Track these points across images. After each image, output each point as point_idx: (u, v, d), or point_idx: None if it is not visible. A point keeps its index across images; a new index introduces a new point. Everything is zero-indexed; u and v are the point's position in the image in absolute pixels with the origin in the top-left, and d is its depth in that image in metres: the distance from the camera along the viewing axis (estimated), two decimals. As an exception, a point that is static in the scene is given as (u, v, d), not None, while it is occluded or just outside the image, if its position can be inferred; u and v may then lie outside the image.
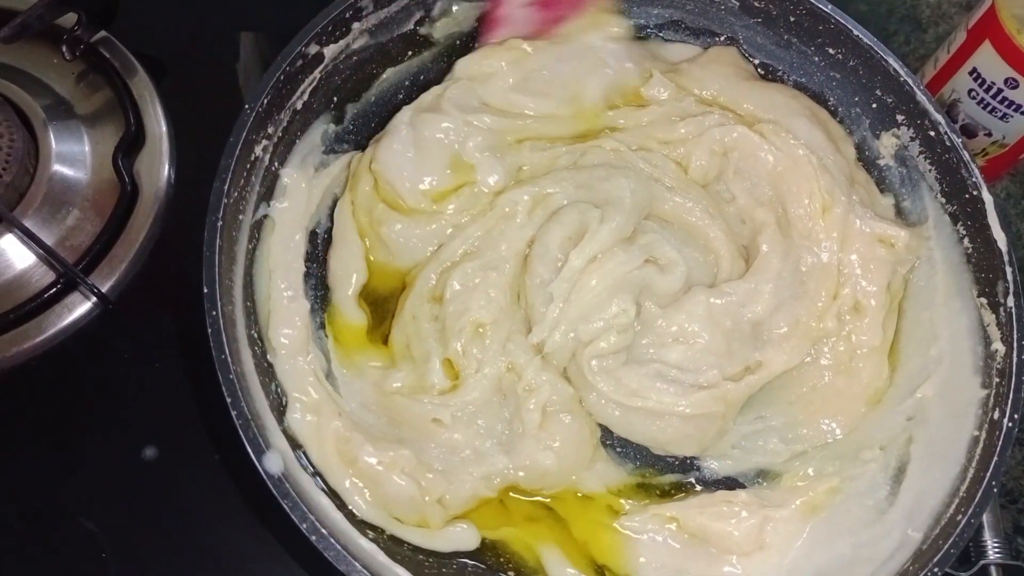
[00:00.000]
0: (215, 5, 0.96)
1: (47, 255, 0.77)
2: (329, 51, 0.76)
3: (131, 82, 0.86)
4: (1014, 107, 0.83)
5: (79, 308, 0.76)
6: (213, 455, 0.74)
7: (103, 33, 0.87)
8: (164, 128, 0.84)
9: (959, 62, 0.86)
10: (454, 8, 0.83)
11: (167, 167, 0.83)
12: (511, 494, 0.71)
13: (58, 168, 0.81)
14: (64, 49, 0.85)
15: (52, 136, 0.82)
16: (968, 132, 0.88)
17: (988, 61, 0.82)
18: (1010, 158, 0.90)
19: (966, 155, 0.76)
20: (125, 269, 0.78)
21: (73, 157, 0.82)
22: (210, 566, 0.72)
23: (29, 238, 0.76)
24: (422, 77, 0.85)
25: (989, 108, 0.85)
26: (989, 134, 0.87)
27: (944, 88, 0.88)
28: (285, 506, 0.58)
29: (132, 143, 0.83)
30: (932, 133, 0.79)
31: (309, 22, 0.74)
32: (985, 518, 0.76)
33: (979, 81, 0.84)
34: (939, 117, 0.78)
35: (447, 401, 0.69)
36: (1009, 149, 0.88)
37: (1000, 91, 0.83)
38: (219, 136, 0.68)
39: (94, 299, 0.77)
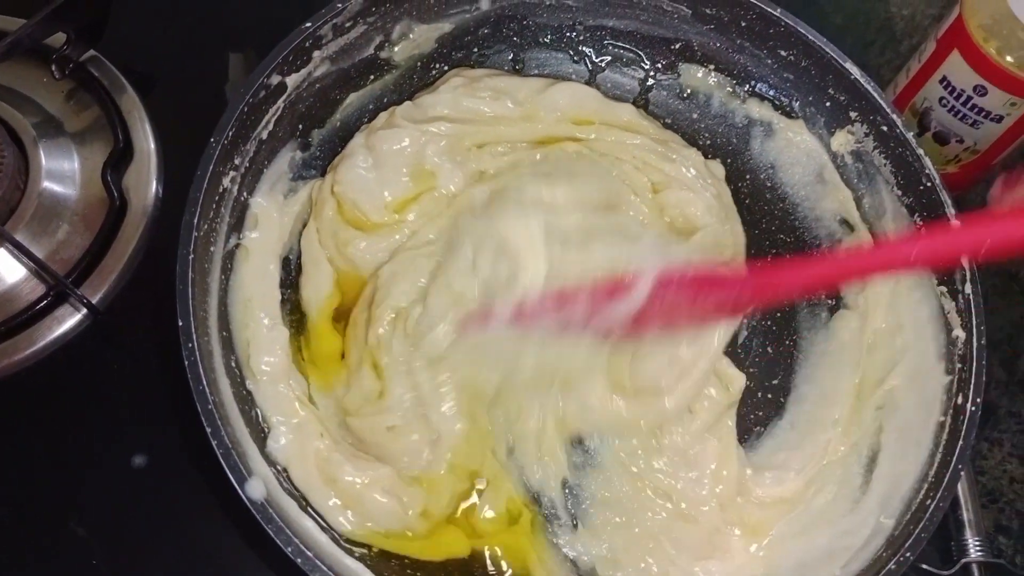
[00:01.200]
0: (202, 23, 0.97)
1: (38, 268, 0.78)
2: (291, 80, 0.77)
3: (119, 99, 0.88)
4: (984, 114, 0.84)
5: (69, 320, 0.78)
6: (201, 463, 0.74)
7: (92, 52, 0.89)
8: (152, 144, 0.86)
9: (930, 71, 0.87)
10: (413, 31, 0.84)
11: (155, 182, 0.84)
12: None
13: (48, 185, 0.82)
14: (54, 68, 0.86)
15: (42, 153, 0.84)
16: (940, 140, 0.89)
17: (957, 69, 0.83)
18: (982, 164, 0.91)
19: (919, 149, 0.78)
20: (114, 281, 0.80)
21: (63, 174, 0.84)
22: (200, 572, 0.73)
23: (20, 251, 0.78)
24: (385, 99, 0.86)
25: (960, 115, 0.86)
26: (961, 141, 0.88)
27: (916, 96, 0.90)
28: (269, 531, 0.60)
29: (120, 159, 0.84)
30: (885, 128, 0.81)
31: (270, 53, 0.75)
32: (966, 517, 0.78)
33: (949, 89, 0.85)
34: (891, 112, 0.80)
35: (387, 404, 0.70)
36: (981, 155, 0.89)
37: (970, 98, 0.84)
38: None
39: (84, 310, 0.78)
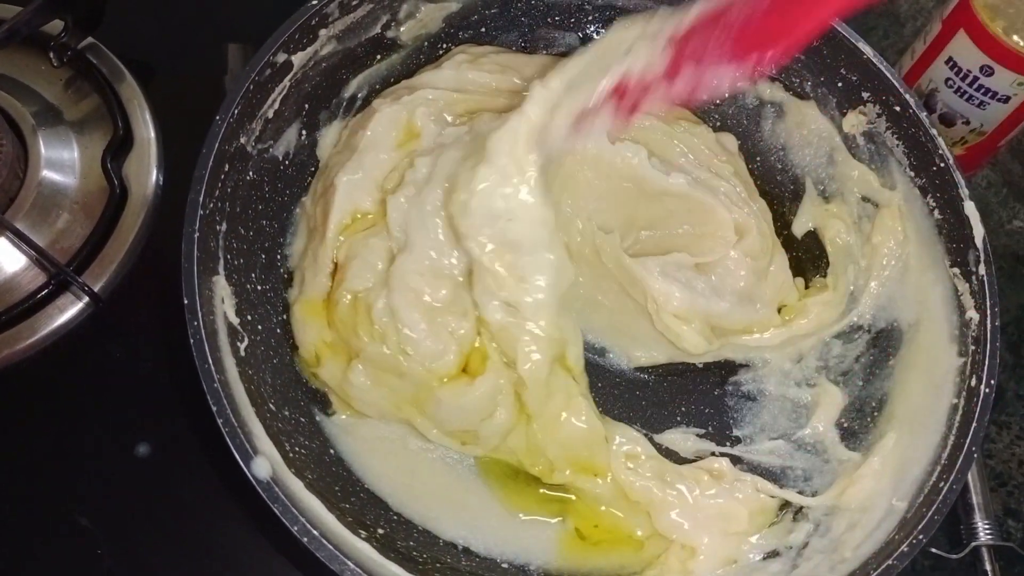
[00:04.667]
0: (200, 9, 0.97)
1: (38, 256, 0.78)
2: (297, 58, 0.76)
3: (119, 87, 0.88)
4: (990, 94, 0.84)
5: (70, 309, 0.78)
6: (204, 451, 0.75)
7: (90, 39, 0.89)
8: (152, 131, 0.86)
9: (935, 52, 0.87)
10: (420, 11, 0.84)
11: (155, 170, 0.85)
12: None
13: (47, 173, 0.82)
14: (52, 56, 0.87)
15: (41, 142, 0.84)
16: (946, 121, 0.89)
17: (963, 50, 0.83)
18: (989, 145, 0.91)
19: (932, 130, 0.77)
20: (115, 269, 0.80)
21: (62, 162, 0.84)
22: (206, 560, 0.73)
23: (20, 240, 0.78)
24: (392, 80, 0.85)
25: (966, 96, 0.86)
26: (967, 122, 0.88)
27: (921, 78, 0.89)
28: (275, 510, 0.59)
29: (120, 146, 0.84)
30: (897, 108, 0.80)
31: (276, 30, 0.74)
32: (975, 501, 0.78)
33: (955, 70, 0.85)
34: (904, 92, 0.79)
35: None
36: (987, 137, 0.89)
37: (976, 79, 0.84)
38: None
39: (85, 299, 0.78)
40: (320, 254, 0.74)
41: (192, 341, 0.62)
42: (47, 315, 0.78)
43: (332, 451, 0.71)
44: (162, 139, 0.86)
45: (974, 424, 0.68)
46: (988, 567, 0.77)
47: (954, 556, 0.76)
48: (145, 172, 0.85)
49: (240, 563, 0.73)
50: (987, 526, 0.77)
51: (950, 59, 0.85)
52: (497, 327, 0.68)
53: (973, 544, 0.77)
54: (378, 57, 0.84)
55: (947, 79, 0.86)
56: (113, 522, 0.73)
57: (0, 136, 0.81)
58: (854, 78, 0.83)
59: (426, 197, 0.70)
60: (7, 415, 0.77)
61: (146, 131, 0.87)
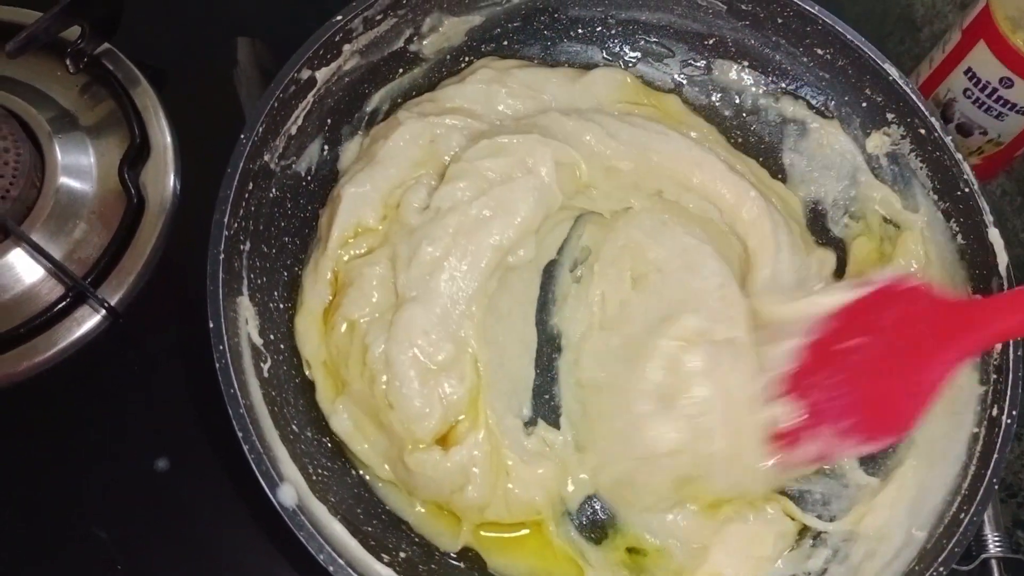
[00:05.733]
0: (215, 14, 0.96)
1: (56, 269, 0.78)
2: (321, 74, 0.76)
3: (134, 93, 0.87)
4: (1009, 106, 0.83)
5: (88, 321, 0.78)
6: (223, 466, 0.75)
7: (106, 45, 0.88)
8: (168, 138, 0.86)
9: (954, 62, 0.86)
10: (443, 24, 0.83)
11: (172, 177, 0.84)
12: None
13: (64, 180, 0.82)
14: (68, 62, 0.86)
15: (58, 149, 0.83)
16: (963, 131, 0.88)
17: (983, 61, 0.82)
18: (1006, 156, 0.90)
19: (957, 154, 0.77)
20: (133, 282, 0.79)
21: (79, 169, 0.83)
22: (223, 573, 0.73)
23: (38, 252, 0.77)
24: (413, 93, 0.85)
25: (984, 107, 0.85)
26: (985, 133, 0.87)
27: (939, 88, 0.89)
28: (301, 538, 0.59)
29: (137, 155, 0.84)
30: (922, 131, 0.80)
31: (300, 47, 0.74)
32: (985, 513, 0.77)
33: (974, 81, 0.84)
34: (929, 115, 0.79)
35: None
36: (1005, 147, 0.89)
37: (995, 90, 0.83)
38: (224, 145, 0.70)
39: (103, 312, 0.77)
40: (321, 264, 0.74)
41: (218, 366, 0.62)
42: (65, 327, 0.78)
43: (354, 472, 0.71)
44: (179, 144, 0.86)
45: (995, 455, 0.68)
46: (996, 576, 0.77)
47: (964, 568, 0.75)
48: (162, 179, 0.84)
49: (258, 578, 0.73)
50: (997, 538, 0.76)
51: (969, 69, 0.84)
52: None
53: (983, 556, 0.76)
54: (400, 71, 0.84)
55: (965, 89, 0.86)
56: (132, 536, 0.73)
57: (18, 145, 0.80)
58: (879, 99, 0.82)
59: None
60: (26, 427, 0.76)
61: (162, 137, 0.86)
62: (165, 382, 0.79)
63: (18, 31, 0.80)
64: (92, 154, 0.85)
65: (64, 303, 0.78)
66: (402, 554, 0.67)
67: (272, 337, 0.71)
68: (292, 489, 0.61)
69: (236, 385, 0.62)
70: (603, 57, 0.90)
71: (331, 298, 0.74)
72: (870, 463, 0.76)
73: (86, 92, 0.88)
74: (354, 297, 0.71)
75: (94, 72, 0.88)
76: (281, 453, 0.63)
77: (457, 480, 0.68)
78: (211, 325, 0.63)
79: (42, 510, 0.73)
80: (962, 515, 0.67)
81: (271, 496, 0.60)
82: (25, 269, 0.79)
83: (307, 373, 0.72)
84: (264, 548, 0.73)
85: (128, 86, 0.88)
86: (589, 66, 0.89)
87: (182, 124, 0.87)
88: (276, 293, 0.73)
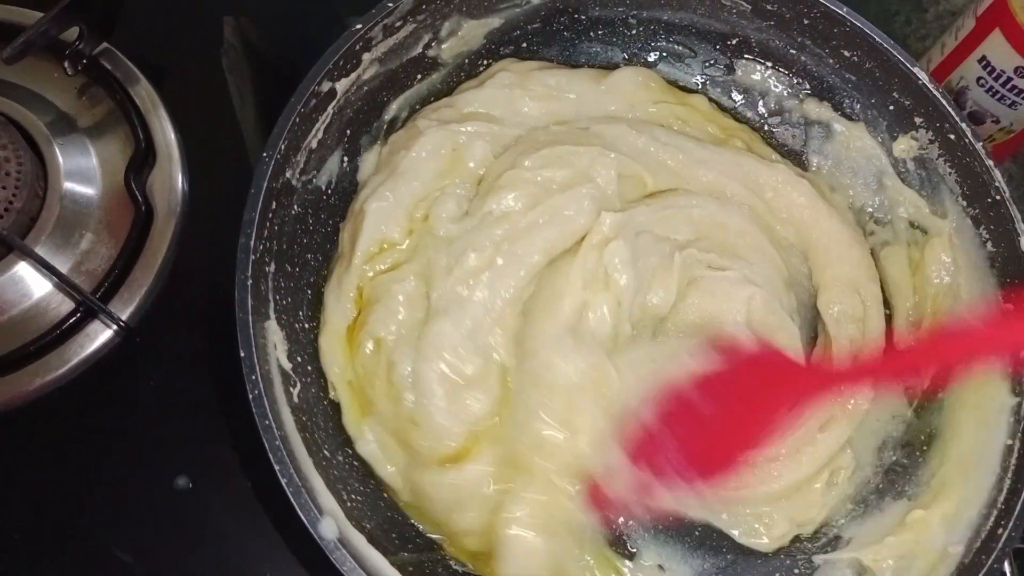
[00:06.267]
0: (214, 12, 0.93)
1: (64, 284, 0.75)
2: (341, 85, 0.73)
3: (134, 91, 0.84)
4: (1023, 95, 0.83)
5: (100, 336, 0.76)
6: (246, 482, 0.73)
7: (104, 44, 0.85)
8: (172, 138, 0.83)
9: (968, 49, 0.85)
10: (462, 28, 0.81)
11: (180, 180, 0.82)
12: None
13: (68, 186, 0.79)
14: (67, 64, 0.83)
15: (59, 153, 0.80)
16: (976, 119, 0.88)
17: (998, 49, 0.81)
18: (1015, 144, 0.90)
19: (988, 160, 0.76)
20: (145, 294, 0.77)
21: (82, 173, 0.81)
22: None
23: (44, 267, 0.75)
24: (432, 99, 0.83)
25: (998, 96, 0.85)
26: (997, 121, 0.87)
27: (952, 75, 0.88)
28: (344, 572, 0.58)
29: (143, 160, 0.81)
30: (952, 136, 0.78)
31: (320, 59, 0.71)
32: None
33: (988, 69, 0.84)
34: (960, 121, 0.77)
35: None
36: (1015, 135, 0.89)
37: (1009, 79, 0.83)
38: (230, 142, 0.68)
39: (115, 328, 0.75)
40: (345, 281, 0.72)
41: (251, 396, 0.61)
42: (77, 343, 0.75)
43: (385, 495, 0.70)
44: (183, 144, 0.83)
45: (1032, 467, 0.68)
46: (1007, 569, 0.76)
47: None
48: (169, 183, 0.81)
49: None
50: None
51: (983, 58, 0.84)
52: None
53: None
54: (419, 77, 0.81)
55: (979, 78, 0.85)
56: (154, 557, 0.72)
57: (19, 153, 0.77)
58: (907, 102, 0.81)
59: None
60: (41, 447, 0.75)
61: (166, 137, 0.83)
62: (182, 397, 0.77)
63: (16, 31, 0.77)
64: (94, 156, 0.82)
65: (75, 318, 0.76)
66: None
67: (300, 359, 0.69)
68: (332, 522, 0.60)
69: (270, 415, 0.61)
70: (624, 57, 0.89)
71: (356, 315, 0.72)
72: (901, 473, 0.76)
73: (84, 93, 0.86)
74: (381, 314, 0.70)
75: (92, 72, 0.85)
76: (318, 483, 0.62)
77: (461, 497, 0.67)
78: (242, 354, 0.62)
79: (60, 531, 0.72)
80: (999, 530, 0.67)
81: (312, 530, 0.58)
82: (33, 283, 0.76)
83: (331, 395, 0.71)
84: (290, 566, 0.72)
85: (127, 85, 0.85)
86: (610, 67, 0.87)
87: (185, 121, 0.84)
88: (301, 313, 0.72)
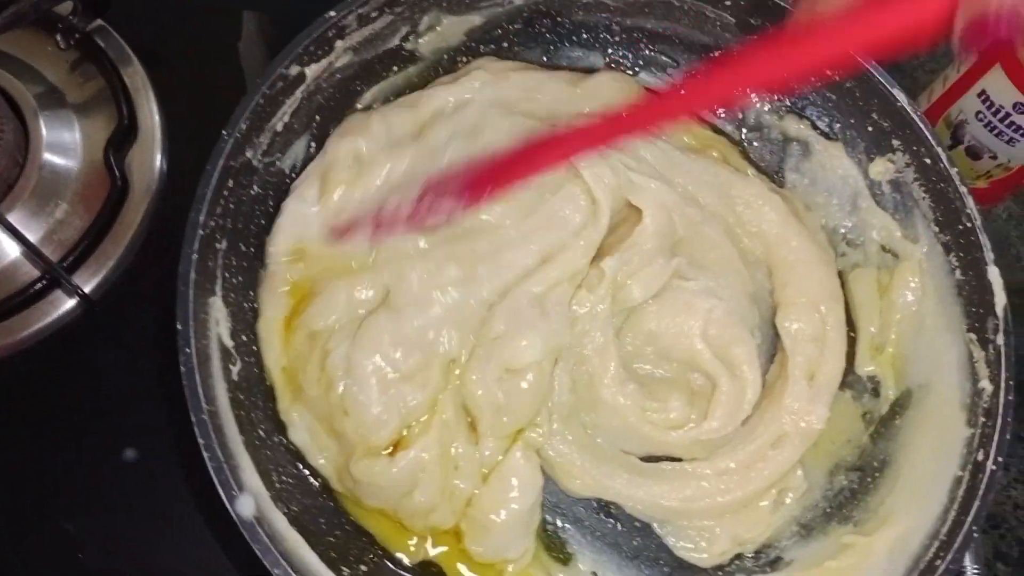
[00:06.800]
0: None
1: (30, 252, 0.76)
2: (311, 70, 0.74)
3: (125, 73, 0.85)
4: (1021, 132, 0.82)
5: (63, 306, 0.77)
6: (192, 459, 0.73)
7: (99, 22, 0.86)
8: (157, 120, 0.84)
9: (968, 83, 0.84)
10: (441, 23, 0.81)
11: (159, 161, 0.82)
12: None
13: (48, 158, 0.80)
14: (59, 38, 0.84)
15: (43, 125, 0.82)
16: (973, 154, 0.86)
17: (998, 84, 0.80)
18: (1014, 181, 0.88)
19: (962, 187, 0.74)
20: (112, 267, 0.78)
21: (64, 147, 0.82)
22: (186, 569, 0.72)
23: (12, 234, 0.76)
24: (407, 92, 0.83)
25: (996, 131, 0.83)
26: (994, 157, 0.86)
27: (951, 108, 0.87)
28: (256, 550, 0.58)
29: (124, 137, 0.82)
30: (928, 160, 0.77)
31: (290, 43, 0.72)
32: None
33: (987, 104, 0.82)
34: (936, 145, 0.76)
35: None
36: (1013, 172, 0.87)
37: (1008, 115, 0.81)
38: (215, 130, 0.68)
39: (77, 298, 0.76)
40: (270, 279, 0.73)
41: (183, 370, 0.61)
42: (40, 310, 0.77)
43: (319, 481, 0.70)
44: (167, 128, 0.84)
45: (977, 502, 0.66)
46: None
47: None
48: (148, 163, 0.83)
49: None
50: (976, 571, 0.74)
51: (983, 92, 0.83)
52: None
53: (962, 588, 0.75)
54: (395, 69, 0.82)
55: (978, 112, 0.84)
56: (97, 528, 0.72)
57: (2, 121, 0.79)
58: (885, 124, 0.80)
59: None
60: (-6, 410, 0.76)
61: (151, 119, 0.84)
62: (137, 372, 0.78)
63: (9, 2, 0.78)
64: (78, 133, 0.84)
65: (39, 286, 0.77)
66: (363, 567, 0.66)
67: (244, 339, 0.69)
68: (251, 500, 0.60)
69: (201, 390, 0.61)
70: (605, 64, 0.88)
71: (293, 304, 0.72)
72: (850, 498, 0.75)
73: (76, 69, 0.87)
74: (319, 308, 0.69)
75: (85, 49, 0.86)
76: (244, 461, 0.62)
77: (403, 486, 0.66)
78: (179, 327, 0.62)
79: (5, 497, 0.73)
80: (938, 562, 0.65)
81: (229, 506, 0.58)
82: (2, 250, 0.78)
83: (267, 381, 0.71)
84: (233, 543, 0.71)
85: (119, 65, 0.86)
86: (590, 71, 0.87)
87: (172, 107, 0.85)
88: (252, 293, 0.72)
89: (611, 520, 0.74)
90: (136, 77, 0.86)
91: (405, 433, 0.67)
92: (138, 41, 0.87)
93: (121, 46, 0.87)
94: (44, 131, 0.82)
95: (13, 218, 0.78)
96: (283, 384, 0.70)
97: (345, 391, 0.66)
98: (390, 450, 0.67)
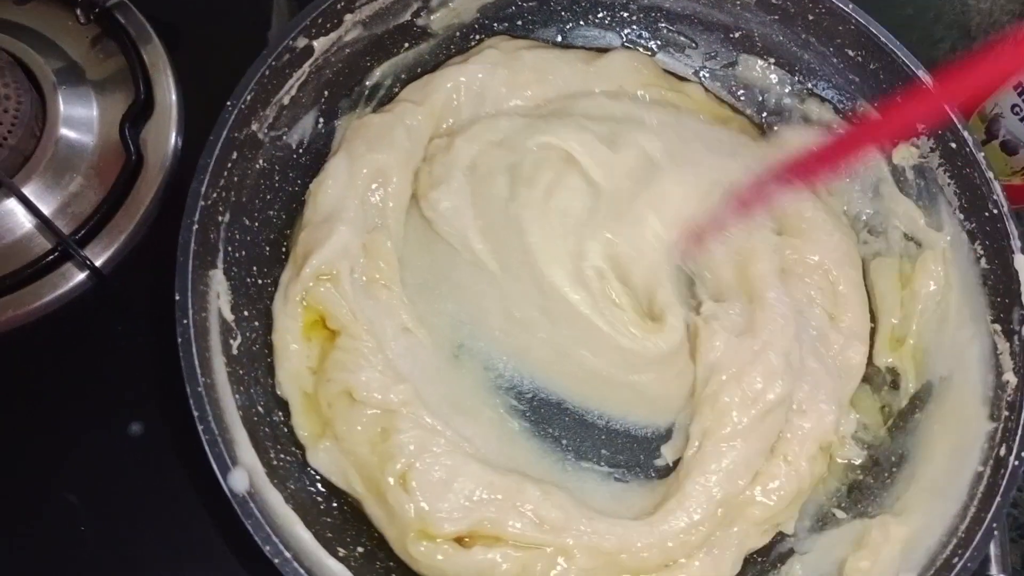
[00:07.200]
0: None
1: (43, 224, 0.76)
2: (319, 43, 0.73)
3: (144, 49, 0.85)
4: None
5: (74, 278, 0.76)
6: (198, 435, 0.72)
7: (118, -2, 0.86)
8: (174, 98, 0.83)
9: None
10: (454, -1, 0.80)
11: (174, 137, 0.82)
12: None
13: (65, 132, 0.80)
14: (79, 12, 0.84)
15: (61, 99, 0.81)
16: (1008, 149, 0.84)
17: None
18: None
19: (988, 172, 0.72)
20: (124, 241, 0.78)
21: (81, 122, 0.81)
22: (186, 546, 0.71)
23: (25, 205, 0.76)
24: (419, 70, 0.81)
25: None
26: None
27: (987, 102, 0.84)
28: (248, 526, 0.57)
29: (140, 112, 0.82)
30: (953, 145, 0.74)
31: (299, 14, 0.71)
32: (992, 551, 0.72)
33: None
34: (962, 129, 0.73)
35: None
36: None
37: None
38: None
39: (87, 271, 0.76)
40: (291, 290, 0.70)
41: (180, 341, 0.60)
42: (51, 282, 0.76)
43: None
44: (184, 106, 0.83)
45: (998, 498, 0.64)
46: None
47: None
48: (164, 139, 0.82)
49: (223, 551, 0.70)
50: None
51: (1020, 85, 0.80)
52: None
53: (990, 599, 0.72)
54: (406, 45, 0.80)
55: (1014, 105, 0.81)
56: (100, 501, 0.72)
57: (20, 93, 0.79)
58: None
59: None
60: (2, 381, 0.75)
61: (168, 96, 0.84)
62: (145, 347, 0.77)
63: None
64: (96, 109, 0.83)
65: (51, 258, 0.77)
66: (360, 548, 0.65)
67: (246, 313, 0.68)
68: (244, 474, 0.59)
69: (197, 361, 0.60)
70: (622, 44, 0.86)
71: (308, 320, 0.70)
72: (866, 493, 0.73)
73: (96, 45, 0.86)
74: (353, 361, 0.67)
75: (105, 24, 0.86)
76: (239, 436, 0.61)
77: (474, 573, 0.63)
78: (177, 298, 0.61)
79: (10, 469, 0.72)
80: (955, 559, 0.63)
81: (221, 480, 0.57)
82: (17, 220, 0.78)
83: (278, 392, 0.69)
84: (229, 523, 0.71)
85: (139, 42, 0.86)
86: (604, 49, 0.85)
87: (190, 85, 0.84)
88: (256, 268, 0.71)
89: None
90: (155, 53, 0.85)
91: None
92: (158, 18, 0.86)
93: (141, 23, 0.86)
94: (62, 105, 0.81)
95: (28, 190, 0.78)
96: (303, 409, 0.68)
97: (410, 470, 0.63)
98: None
